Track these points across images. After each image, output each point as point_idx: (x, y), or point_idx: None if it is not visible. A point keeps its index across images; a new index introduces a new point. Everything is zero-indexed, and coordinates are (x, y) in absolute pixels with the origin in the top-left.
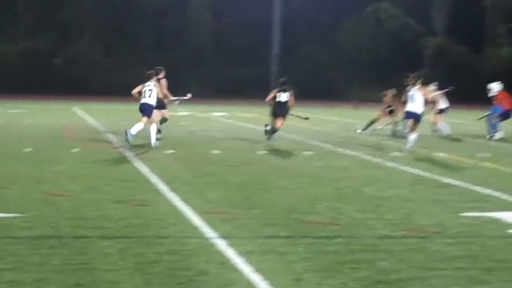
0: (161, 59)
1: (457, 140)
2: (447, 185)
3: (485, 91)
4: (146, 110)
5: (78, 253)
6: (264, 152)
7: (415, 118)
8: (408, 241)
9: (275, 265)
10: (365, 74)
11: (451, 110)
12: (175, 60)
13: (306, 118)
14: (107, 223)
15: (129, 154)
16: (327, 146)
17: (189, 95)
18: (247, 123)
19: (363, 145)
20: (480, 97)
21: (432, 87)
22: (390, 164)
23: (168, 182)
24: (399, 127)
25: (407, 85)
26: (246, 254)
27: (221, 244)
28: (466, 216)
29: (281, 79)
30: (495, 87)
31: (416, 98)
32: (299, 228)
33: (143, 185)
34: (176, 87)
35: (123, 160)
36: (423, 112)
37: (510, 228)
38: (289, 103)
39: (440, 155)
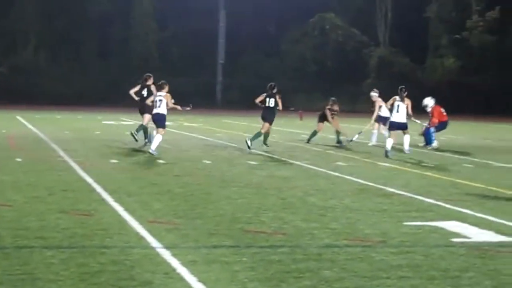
0: (106, 68)
1: (401, 150)
2: (390, 195)
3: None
4: (159, 120)
5: (21, 263)
6: (209, 161)
7: (402, 127)
8: (351, 250)
9: (219, 275)
10: (310, 84)
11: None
12: (119, 68)
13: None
14: (50, 233)
15: (73, 164)
16: (271, 155)
17: (188, 107)
18: (192, 132)
19: (307, 154)
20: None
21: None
22: (334, 173)
23: (112, 192)
24: (342, 137)
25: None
26: (190, 264)
27: (166, 254)
28: (409, 226)
29: (269, 84)
30: (430, 103)
31: (401, 109)
32: (243, 237)
33: (87, 195)
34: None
35: (67, 169)
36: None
37: (453, 237)
38: (278, 108)
39: (385, 164)
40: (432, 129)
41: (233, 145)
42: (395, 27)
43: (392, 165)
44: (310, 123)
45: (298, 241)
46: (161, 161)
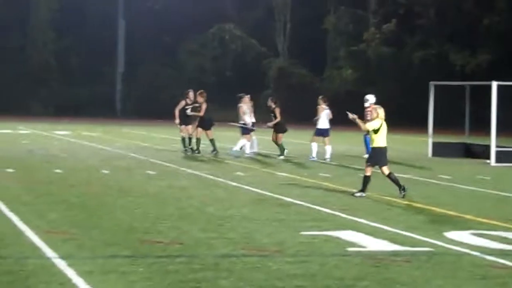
0: (3, 75)
1: (299, 160)
2: (288, 204)
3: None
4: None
5: None
6: (107, 171)
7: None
8: (248, 260)
9: (116, 285)
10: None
11: (292, 130)
12: (17, 76)
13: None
14: None
15: None
16: (170, 165)
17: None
18: (90, 142)
19: (207, 164)
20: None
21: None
22: (233, 183)
23: (7, 202)
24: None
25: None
26: (86, 274)
27: (61, 264)
28: (305, 235)
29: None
30: (371, 99)
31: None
32: (140, 247)
33: None
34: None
35: None
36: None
37: (349, 247)
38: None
39: (283, 174)
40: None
41: (132, 154)
42: (294, 38)
43: (290, 175)
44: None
45: (196, 251)
46: (57, 170)
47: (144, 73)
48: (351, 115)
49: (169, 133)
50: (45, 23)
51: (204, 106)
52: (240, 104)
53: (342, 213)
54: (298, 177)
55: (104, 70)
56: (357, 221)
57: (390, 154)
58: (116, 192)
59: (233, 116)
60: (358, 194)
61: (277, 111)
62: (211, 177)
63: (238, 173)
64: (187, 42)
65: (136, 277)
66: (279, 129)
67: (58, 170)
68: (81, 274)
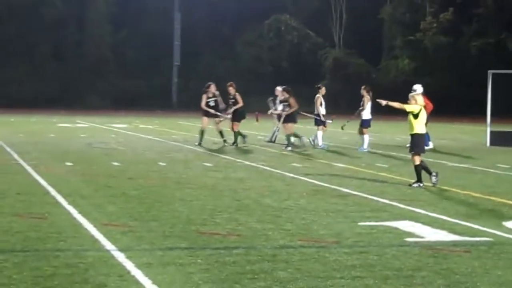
0: (61, 70)
1: (355, 151)
2: (345, 195)
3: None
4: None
5: None
6: (164, 164)
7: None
8: (306, 251)
9: (174, 277)
10: (265, 85)
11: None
12: (74, 71)
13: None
14: (3, 236)
15: (27, 167)
16: (227, 157)
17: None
18: (147, 134)
19: (263, 156)
20: (377, 109)
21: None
22: (290, 174)
23: (66, 195)
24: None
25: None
26: (145, 266)
27: (120, 257)
28: (363, 226)
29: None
30: (418, 89)
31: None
32: (198, 239)
33: (41, 198)
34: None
35: (21, 172)
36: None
37: (407, 237)
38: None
39: (339, 165)
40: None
41: (188, 146)
42: (350, 28)
43: (347, 166)
44: (265, 124)
45: (253, 242)
46: (115, 163)
47: (200, 65)
48: (383, 102)
49: (226, 125)
50: (102, 16)
51: (238, 97)
52: (318, 95)
53: (400, 203)
54: (355, 168)
55: (160, 62)
56: (415, 211)
57: (448, 144)
58: (174, 184)
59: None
60: (416, 185)
61: (292, 100)
62: (268, 168)
63: (295, 164)
64: (244, 33)
65: (194, 269)
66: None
67: (116, 163)
68: (139, 266)
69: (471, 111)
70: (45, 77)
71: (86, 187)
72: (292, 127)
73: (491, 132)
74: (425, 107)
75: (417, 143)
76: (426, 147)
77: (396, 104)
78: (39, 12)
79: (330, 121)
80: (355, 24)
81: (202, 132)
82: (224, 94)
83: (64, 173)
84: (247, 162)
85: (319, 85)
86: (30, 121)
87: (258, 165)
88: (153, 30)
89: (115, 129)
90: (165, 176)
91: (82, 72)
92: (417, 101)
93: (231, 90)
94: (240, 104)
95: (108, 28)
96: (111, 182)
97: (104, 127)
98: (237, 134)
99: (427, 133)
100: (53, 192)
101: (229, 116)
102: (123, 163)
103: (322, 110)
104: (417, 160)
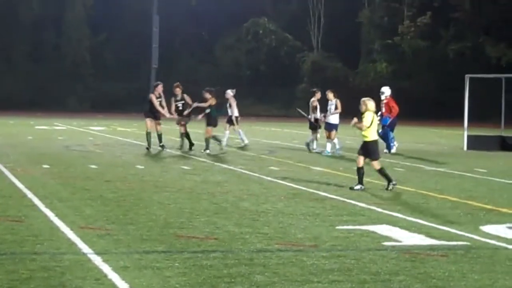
0: (38, 72)
1: (333, 155)
2: (323, 199)
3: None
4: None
5: None
6: (142, 167)
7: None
8: (283, 255)
9: (151, 281)
10: (244, 89)
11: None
12: (52, 74)
13: None
14: None
15: (4, 169)
16: (205, 160)
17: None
18: (125, 137)
19: (241, 159)
20: (354, 112)
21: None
22: (268, 178)
23: (43, 198)
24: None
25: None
26: (122, 270)
27: (97, 260)
28: (341, 229)
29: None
30: (386, 91)
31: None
32: (175, 243)
33: (17, 200)
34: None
35: None
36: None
37: (384, 241)
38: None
39: (317, 169)
40: (391, 133)
41: (167, 150)
42: (328, 32)
43: (325, 169)
44: (244, 127)
45: (230, 246)
46: (93, 166)
47: (179, 69)
48: (352, 122)
49: (202, 128)
50: (80, 19)
51: (187, 98)
52: (313, 99)
53: (378, 207)
54: (333, 171)
55: (139, 66)
56: (392, 215)
57: (425, 147)
58: (152, 187)
59: (261, 110)
60: (390, 186)
61: (211, 102)
62: (246, 171)
63: (273, 167)
64: (223, 37)
65: (171, 273)
66: (211, 122)
67: (93, 166)
68: (116, 269)
69: (449, 115)
70: (22, 79)
71: (63, 190)
72: (211, 130)
73: (469, 136)
74: (391, 110)
75: (372, 150)
76: (391, 150)
77: (359, 125)
78: (16, 13)
79: (323, 119)
80: (333, 27)
81: (149, 135)
82: (196, 96)
83: (41, 175)
84: (225, 166)
85: (314, 89)
86: (7, 123)
87: (236, 169)
88: (132, 34)
89: (92, 132)
90: (142, 179)
91: (60, 75)
92: (367, 106)
93: (178, 91)
94: (195, 104)
95: (87, 31)
96: (88, 185)
97: (82, 129)
98: (208, 140)
99: (393, 137)
100: (30, 194)
101: (199, 118)
102: (101, 166)
103: (318, 115)
104: (377, 165)
